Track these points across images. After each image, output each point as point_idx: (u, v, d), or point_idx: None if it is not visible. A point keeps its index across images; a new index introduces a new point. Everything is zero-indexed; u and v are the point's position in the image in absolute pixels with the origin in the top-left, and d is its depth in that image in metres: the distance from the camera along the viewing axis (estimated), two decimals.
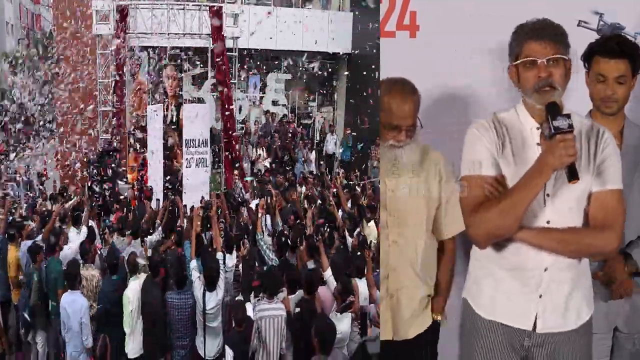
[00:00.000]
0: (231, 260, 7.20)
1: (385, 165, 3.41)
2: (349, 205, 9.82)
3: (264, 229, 8.26)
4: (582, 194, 2.80)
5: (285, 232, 7.99)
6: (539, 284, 2.79)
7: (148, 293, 6.60)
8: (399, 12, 3.62)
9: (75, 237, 8.04)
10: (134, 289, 6.65)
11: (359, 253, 6.86)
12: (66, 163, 15.25)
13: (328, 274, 6.27)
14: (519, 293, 2.82)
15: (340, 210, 9.23)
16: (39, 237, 7.78)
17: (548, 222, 2.77)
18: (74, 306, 6.43)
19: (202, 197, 12.16)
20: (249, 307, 5.92)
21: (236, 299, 6.47)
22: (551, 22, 2.86)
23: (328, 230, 8.05)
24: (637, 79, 3.32)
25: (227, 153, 15.30)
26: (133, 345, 6.68)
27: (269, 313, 5.71)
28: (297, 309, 5.78)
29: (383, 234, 3.51)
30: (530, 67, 2.78)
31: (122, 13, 14.92)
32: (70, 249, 7.58)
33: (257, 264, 7.37)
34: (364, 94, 15.91)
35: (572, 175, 2.63)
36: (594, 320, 3.27)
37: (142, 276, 6.80)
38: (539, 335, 2.82)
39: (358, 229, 8.23)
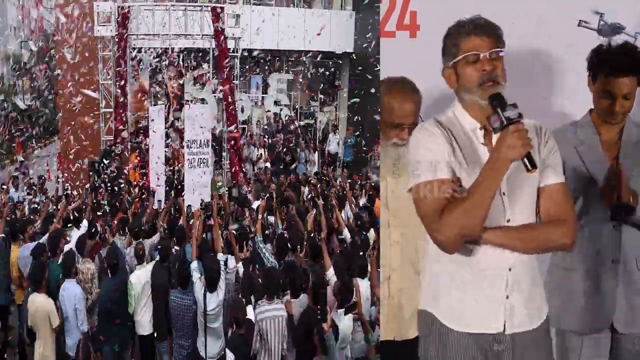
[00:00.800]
0: (233, 261, 7.20)
1: (387, 163, 3.41)
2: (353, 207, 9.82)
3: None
4: (534, 190, 2.78)
5: (285, 235, 7.98)
6: (505, 284, 2.76)
7: (157, 277, 6.87)
8: (399, 12, 3.62)
9: (76, 235, 8.06)
10: (138, 275, 6.93)
11: (361, 253, 6.86)
12: (69, 165, 15.29)
13: (330, 273, 6.27)
14: (486, 295, 2.76)
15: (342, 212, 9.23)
16: (43, 239, 7.79)
17: (508, 221, 2.74)
18: (69, 293, 6.51)
19: (202, 200, 12.16)
20: (249, 309, 5.92)
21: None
22: (486, 20, 2.78)
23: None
24: None
25: (232, 151, 15.37)
26: (141, 325, 7.01)
27: (270, 314, 5.71)
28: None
29: (384, 234, 3.50)
30: (472, 62, 2.72)
31: (124, 15, 14.94)
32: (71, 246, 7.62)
33: (257, 266, 7.34)
34: (367, 92, 15.91)
35: (531, 163, 2.57)
36: (588, 319, 3.33)
37: (148, 265, 7.03)
38: (508, 337, 2.78)
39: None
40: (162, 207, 11.16)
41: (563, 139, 3.24)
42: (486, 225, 2.68)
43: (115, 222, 9.48)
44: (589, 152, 3.33)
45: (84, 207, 10.01)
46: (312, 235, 7.66)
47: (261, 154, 17.17)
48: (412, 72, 3.43)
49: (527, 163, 2.57)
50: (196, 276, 6.46)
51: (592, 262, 3.31)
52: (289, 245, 7.31)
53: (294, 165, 16.91)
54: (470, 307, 2.79)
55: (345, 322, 5.59)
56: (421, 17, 3.62)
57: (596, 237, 3.31)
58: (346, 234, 7.88)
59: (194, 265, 6.62)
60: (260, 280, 6.31)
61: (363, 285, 6.18)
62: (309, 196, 11.41)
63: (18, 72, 26.95)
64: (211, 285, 6.26)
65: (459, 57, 2.75)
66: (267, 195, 10.52)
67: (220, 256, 6.77)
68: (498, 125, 2.60)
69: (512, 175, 2.70)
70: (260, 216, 8.19)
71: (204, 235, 8.07)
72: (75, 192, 12.77)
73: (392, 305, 3.50)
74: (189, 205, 11.39)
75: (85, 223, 8.41)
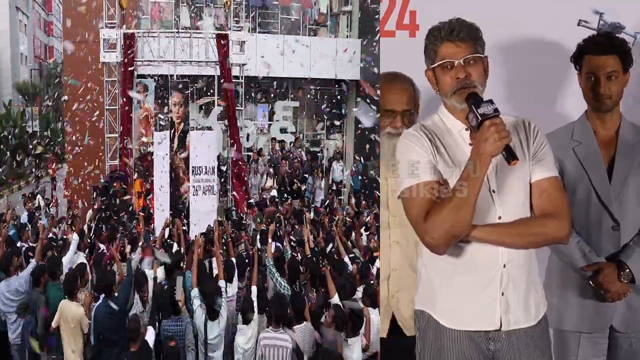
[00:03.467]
0: (232, 289, 7.07)
1: (386, 157, 3.39)
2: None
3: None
4: (525, 185, 2.77)
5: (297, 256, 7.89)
6: (500, 281, 2.74)
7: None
8: (398, 11, 3.65)
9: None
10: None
11: (371, 282, 6.72)
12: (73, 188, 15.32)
13: (335, 299, 6.17)
14: (481, 293, 2.75)
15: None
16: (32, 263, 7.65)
17: (500, 218, 2.73)
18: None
19: (209, 225, 12.07)
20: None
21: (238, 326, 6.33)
22: (464, 22, 2.79)
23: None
24: (631, 76, 3.31)
25: (236, 180, 15.36)
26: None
27: (274, 342, 5.65)
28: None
29: (384, 235, 3.49)
30: (447, 69, 2.75)
31: (129, 41, 15.08)
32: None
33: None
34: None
35: (511, 156, 2.57)
36: (588, 319, 3.30)
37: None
38: (504, 335, 2.75)
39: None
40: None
41: (560, 141, 3.29)
42: (477, 223, 2.67)
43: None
44: (585, 152, 3.33)
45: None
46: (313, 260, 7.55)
47: (267, 182, 17.10)
48: (412, 72, 3.43)
49: (507, 155, 2.57)
50: (196, 304, 6.33)
51: (591, 262, 3.27)
52: (300, 269, 7.21)
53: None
54: (466, 305, 2.78)
55: (354, 350, 5.46)
56: (421, 17, 3.65)
57: (595, 237, 3.29)
58: (347, 262, 7.65)
59: (195, 292, 6.48)
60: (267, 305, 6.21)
61: (374, 315, 6.02)
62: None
63: (27, 99, 27.33)
64: (212, 312, 6.16)
65: (436, 64, 2.79)
66: (276, 220, 10.46)
67: (221, 283, 6.66)
68: (475, 123, 2.61)
69: (501, 172, 2.72)
70: (270, 241, 8.08)
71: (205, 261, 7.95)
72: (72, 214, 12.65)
73: (392, 305, 3.47)
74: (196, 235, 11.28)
75: (75, 236, 8.24)
